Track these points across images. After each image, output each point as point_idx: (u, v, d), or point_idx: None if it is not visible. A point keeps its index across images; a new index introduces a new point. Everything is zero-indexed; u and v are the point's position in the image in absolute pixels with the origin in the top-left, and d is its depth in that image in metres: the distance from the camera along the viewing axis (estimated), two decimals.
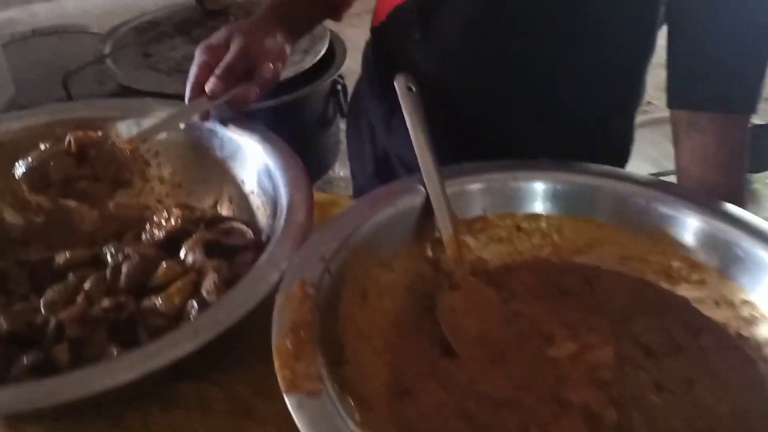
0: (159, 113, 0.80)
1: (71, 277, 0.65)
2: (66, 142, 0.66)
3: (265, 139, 0.74)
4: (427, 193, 0.66)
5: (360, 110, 0.99)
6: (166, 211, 0.70)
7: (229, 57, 0.74)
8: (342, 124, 2.25)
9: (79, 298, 0.61)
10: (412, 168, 0.88)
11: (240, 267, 0.66)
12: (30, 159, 0.65)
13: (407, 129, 0.83)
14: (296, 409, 0.46)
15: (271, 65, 0.76)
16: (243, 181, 0.76)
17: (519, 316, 0.64)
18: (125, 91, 1.87)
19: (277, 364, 0.49)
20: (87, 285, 0.63)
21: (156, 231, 0.69)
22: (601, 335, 0.62)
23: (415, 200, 0.66)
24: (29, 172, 0.64)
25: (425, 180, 0.66)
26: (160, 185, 0.80)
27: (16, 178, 0.65)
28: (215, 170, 0.78)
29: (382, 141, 0.93)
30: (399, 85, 0.69)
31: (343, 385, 0.52)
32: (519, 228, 0.69)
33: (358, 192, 0.99)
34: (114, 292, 0.63)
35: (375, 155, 0.94)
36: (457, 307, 0.63)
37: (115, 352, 0.57)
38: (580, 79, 0.75)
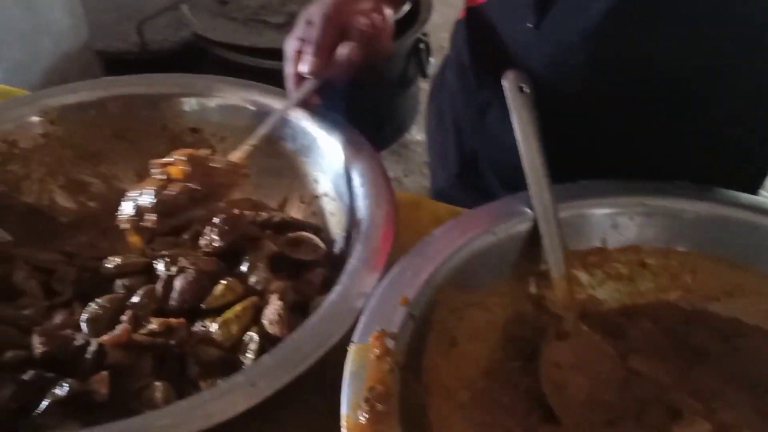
0: (227, 95, 0.70)
1: (118, 284, 0.57)
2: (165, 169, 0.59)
3: (345, 134, 0.64)
4: (535, 218, 0.54)
5: (444, 98, 0.86)
6: (228, 214, 0.61)
7: (315, 32, 0.64)
8: (423, 84, 2.12)
9: (125, 317, 0.53)
10: (505, 177, 0.77)
11: (307, 287, 0.57)
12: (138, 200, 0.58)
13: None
14: None
15: (364, 18, 0.64)
16: (316, 180, 0.66)
17: (638, 376, 0.53)
18: (199, 40, 1.79)
19: None
20: (135, 298, 0.55)
21: (216, 237, 0.60)
22: (743, 414, 0.50)
23: (520, 227, 0.55)
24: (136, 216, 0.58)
25: (534, 202, 0.54)
26: None
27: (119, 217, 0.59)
28: (285, 164, 0.68)
29: (469, 140, 0.81)
30: (509, 84, 0.57)
31: None
32: (644, 264, 0.57)
33: (438, 192, 0.88)
34: (164, 312, 0.55)
35: (460, 155, 0.82)
36: (564, 362, 0.53)
37: (159, 387, 0.49)
38: (728, 94, 0.61)
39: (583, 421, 0.51)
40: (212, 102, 0.71)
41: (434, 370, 0.49)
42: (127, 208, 0.59)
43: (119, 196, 0.71)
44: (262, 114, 0.68)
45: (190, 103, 0.71)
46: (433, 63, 2.00)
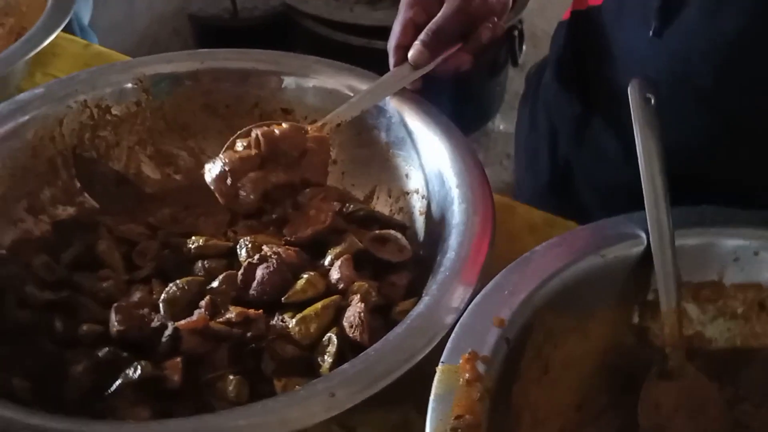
0: (324, 78, 0.67)
1: (198, 266, 0.56)
2: (253, 140, 0.58)
3: (446, 133, 0.60)
4: (648, 243, 0.50)
5: (540, 102, 0.81)
6: (318, 202, 0.58)
7: (440, 18, 0.60)
8: (512, 72, 2.06)
9: (203, 303, 0.51)
10: (602, 193, 0.71)
11: (391, 290, 0.54)
12: (222, 163, 0.58)
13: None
14: None
15: (491, 25, 0.61)
16: (407, 176, 0.63)
17: (746, 430, 0.48)
18: (289, 11, 1.78)
19: None
20: (215, 284, 0.53)
21: (302, 226, 0.57)
22: None
23: (631, 251, 0.50)
24: (219, 179, 0.58)
25: (650, 226, 0.50)
26: None
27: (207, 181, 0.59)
28: (376, 154, 0.65)
29: (565, 149, 0.75)
30: (634, 92, 0.52)
31: None
32: (762, 306, 0.52)
33: (525, 197, 0.83)
34: (242, 300, 0.53)
35: (552, 163, 0.77)
36: (665, 403, 0.48)
37: (233, 381, 0.47)
38: None
39: None
40: (308, 83, 0.68)
41: (524, 397, 0.46)
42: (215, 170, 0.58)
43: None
44: (322, 92, 0.66)
45: (285, 83, 0.69)
46: (525, 51, 1.93)
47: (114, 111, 0.67)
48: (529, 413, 0.46)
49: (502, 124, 2.13)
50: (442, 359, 0.42)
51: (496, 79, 1.94)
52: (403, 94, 0.64)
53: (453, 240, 0.51)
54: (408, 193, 0.62)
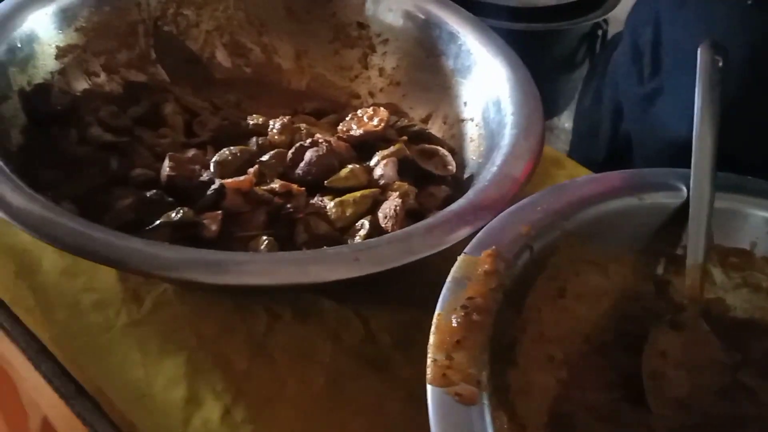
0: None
1: (253, 141, 0.58)
2: None
3: (511, 65, 0.61)
4: (688, 197, 0.50)
5: (607, 79, 0.81)
6: (374, 109, 0.60)
7: None
8: (586, 72, 2.04)
9: (251, 170, 0.53)
10: None
11: (429, 199, 0.56)
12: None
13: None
14: (437, 411, 0.36)
15: None
16: (466, 104, 0.64)
17: (747, 393, 0.48)
18: None
19: (433, 340, 0.39)
20: (265, 157, 0.56)
21: (354, 126, 0.59)
22: None
23: (669, 201, 0.51)
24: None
25: (693, 182, 0.50)
26: (378, 77, 0.71)
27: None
28: (439, 81, 0.67)
29: (627, 126, 0.76)
30: (704, 53, 0.52)
31: (501, 393, 0.41)
32: None
33: None
34: (288, 177, 0.55)
35: (612, 140, 0.77)
36: (671, 353, 0.49)
37: (266, 242, 0.49)
38: None
39: (673, 417, 0.47)
40: (386, 1, 0.70)
41: (535, 312, 0.47)
42: None
43: (274, 70, 0.73)
44: (430, 25, 0.67)
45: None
46: None
47: None
48: (535, 327, 0.47)
49: (568, 122, 2.11)
50: (465, 251, 0.44)
51: (569, 75, 1.93)
52: (474, 22, 0.65)
53: (498, 158, 0.53)
54: (463, 121, 0.64)
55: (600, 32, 1.78)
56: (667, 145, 0.71)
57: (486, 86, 0.62)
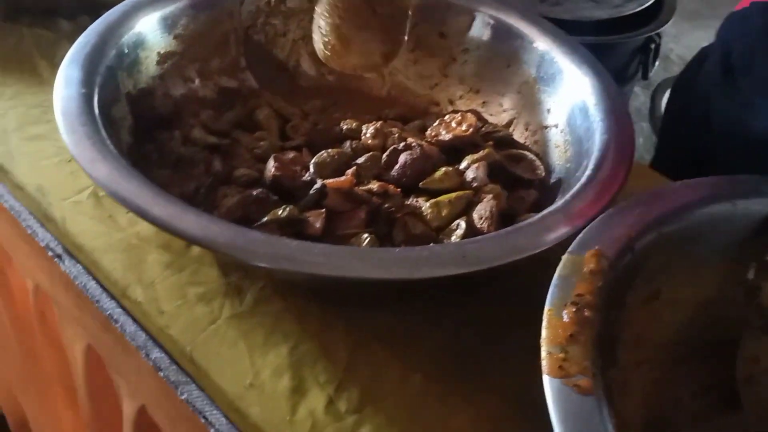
0: (488, 11, 0.71)
1: (347, 145, 0.61)
2: None
3: (596, 73, 0.62)
4: None
5: (693, 93, 0.81)
6: (461, 115, 0.62)
7: None
8: (637, 88, 2.03)
9: (349, 171, 0.56)
10: None
11: (518, 203, 0.57)
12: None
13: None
14: (556, 401, 0.37)
15: None
16: (549, 111, 0.66)
17: None
18: None
19: (546, 334, 0.40)
20: (361, 159, 0.58)
21: (443, 131, 0.61)
22: None
23: (761, 208, 0.51)
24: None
25: None
26: (458, 84, 0.72)
27: None
28: (520, 89, 0.68)
29: (714, 141, 0.76)
30: None
31: (606, 389, 0.42)
32: None
33: None
34: (383, 179, 0.57)
35: (694, 156, 0.78)
36: (764, 358, 0.50)
37: (367, 238, 0.51)
38: None
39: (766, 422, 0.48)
40: (476, 17, 0.71)
41: (632, 313, 0.48)
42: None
43: (356, 78, 0.75)
44: (512, 35, 0.69)
45: (452, 9, 0.72)
46: (655, 69, 1.91)
47: (288, 3, 0.73)
48: (633, 328, 0.48)
49: None
50: (568, 250, 0.45)
51: (621, 88, 1.93)
52: (554, 32, 0.67)
53: (591, 162, 0.54)
54: (546, 127, 0.65)
55: (653, 46, 1.78)
56: (759, 155, 0.71)
57: (571, 94, 0.63)
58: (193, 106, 0.64)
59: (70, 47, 0.74)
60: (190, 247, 0.57)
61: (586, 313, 0.41)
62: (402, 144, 0.58)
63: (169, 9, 0.65)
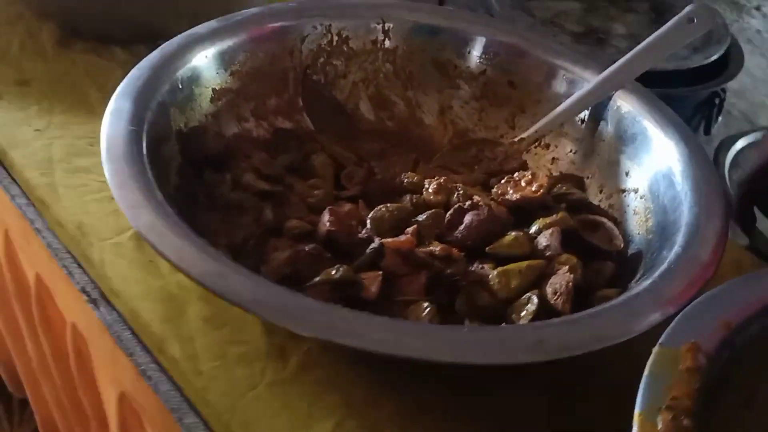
0: (554, 59, 0.67)
1: (407, 199, 0.56)
2: None
3: (683, 136, 0.57)
4: None
5: None
6: (532, 173, 0.57)
7: None
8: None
9: (409, 230, 0.51)
10: None
11: (594, 277, 0.52)
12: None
13: None
14: None
15: None
16: (628, 173, 0.60)
17: None
18: None
19: None
20: (421, 217, 0.53)
21: (510, 190, 0.56)
22: None
23: None
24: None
25: None
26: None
27: None
28: (596, 148, 0.63)
29: None
30: None
31: None
32: None
33: None
34: (445, 240, 0.52)
35: None
36: None
37: (427, 309, 0.47)
38: None
39: None
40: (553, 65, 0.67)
41: (731, 417, 0.42)
42: None
43: (416, 124, 0.71)
44: (576, 83, 0.64)
45: (526, 59, 0.68)
46: (718, 125, 1.84)
47: (351, 44, 0.70)
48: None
49: None
50: (660, 341, 0.40)
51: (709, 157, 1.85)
52: (636, 89, 0.62)
53: (679, 238, 0.48)
54: (624, 191, 0.60)
55: (717, 101, 1.71)
56: None
57: (654, 157, 0.58)
58: (245, 147, 0.61)
59: (123, 77, 0.72)
60: None
61: (684, 421, 0.36)
62: (468, 203, 0.53)
63: (227, 44, 0.62)
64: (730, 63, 1.75)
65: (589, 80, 0.64)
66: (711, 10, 0.62)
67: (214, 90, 0.62)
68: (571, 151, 0.66)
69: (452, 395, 0.48)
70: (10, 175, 0.64)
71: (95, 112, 0.69)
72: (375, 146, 0.68)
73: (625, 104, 0.62)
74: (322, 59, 0.69)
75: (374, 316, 0.40)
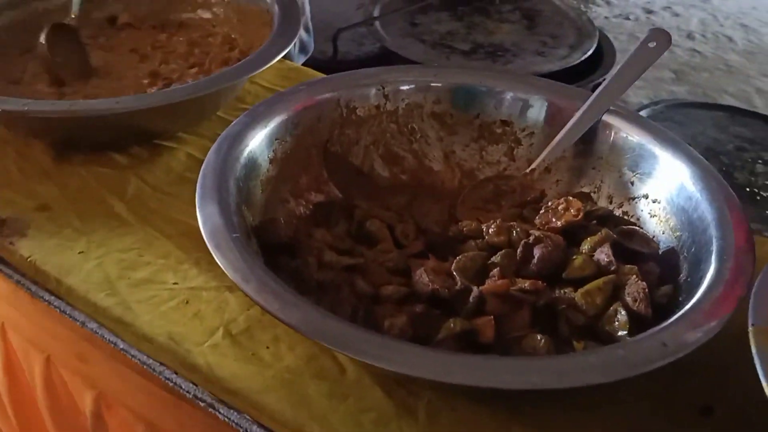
0: (539, 94, 0.75)
1: (473, 244, 0.63)
2: None
3: (672, 142, 0.68)
4: None
5: None
6: (565, 200, 0.65)
7: None
8: None
9: (495, 272, 0.58)
10: None
11: (647, 278, 0.61)
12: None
13: None
14: None
15: None
16: (633, 183, 0.70)
17: None
18: (389, 56, 1.88)
19: None
20: (496, 258, 0.60)
21: (552, 218, 0.64)
22: None
23: None
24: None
25: None
26: (526, 167, 0.76)
27: None
28: (594, 162, 0.72)
29: None
30: None
31: None
32: None
33: None
34: (521, 274, 0.59)
35: None
36: None
37: (540, 339, 0.53)
38: None
39: None
40: (530, 100, 0.76)
41: None
42: None
43: (426, 172, 0.78)
44: (563, 111, 0.74)
45: (508, 97, 0.77)
46: None
47: (359, 112, 0.75)
48: None
49: None
50: (752, 322, 0.49)
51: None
52: (619, 109, 0.72)
53: (714, 232, 0.58)
54: (634, 199, 0.69)
55: None
56: None
57: (656, 164, 0.67)
58: (303, 227, 0.65)
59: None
60: (344, 373, 0.57)
61: None
62: (531, 237, 0.60)
63: (264, 135, 0.67)
64: (604, 54, 1.95)
65: (566, 107, 0.74)
66: (665, 33, 0.74)
67: (261, 181, 0.65)
68: (570, 171, 0.75)
69: (581, 413, 0.54)
70: (69, 303, 0.63)
71: (127, 221, 0.70)
72: (400, 200, 0.73)
73: (615, 122, 0.72)
74: (336, 131, 0.74)
75: (503, 358, 0.47)
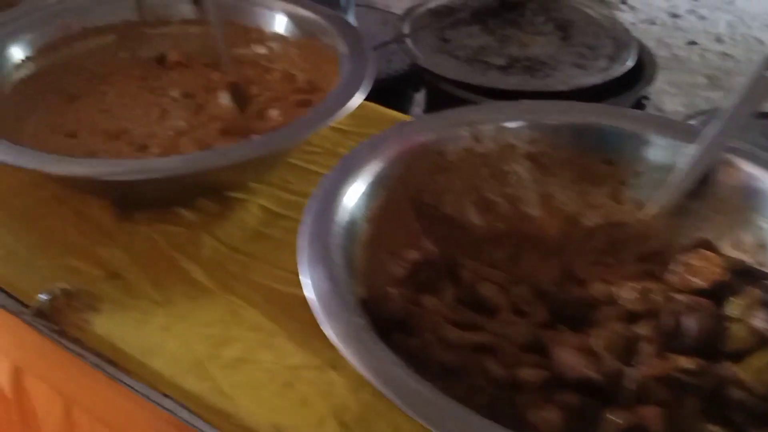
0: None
1: (607, 313, 0.56)
2: None
3: None
4: None
5: None
6: (699, 255, 0.59)
7: None
8: None
9: (650, 350, 0.51)
10: None
11: None
12: None
13: None
14: None
15: None
16: (762, 228, 0.63)
17: None
18: (423, 73, 1.82)
19: None
20: (644, 331, 0.53)
21: (690, 277, 0.57)
22: None
23: None
24: None
25: None
26: (634, 210, 0.69)
27: None
28: (717, 206, 0.65)
29: None
30: None
31: None
32: None
33: None
34: (671, 349, 0.52)
35: None
36: None
37: None
38: None
39: None
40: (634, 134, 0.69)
41: None
42: None
43: (523, 219, 0.71)
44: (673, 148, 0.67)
45: (611, 133, 0.70)
46: None
47: (448, 157, 0.68)
48: None
49: None
50: None
51: None
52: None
53: None
54: (764, 246, 0.62)
55: (645, 104, 1.83)
56: None
57: None
58: (410, 295, 0.58)
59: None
60: None
61: None
62: (680, 305, 0.53)
63: (364, 186, 0.60)
64: (645, 65, 1.89)
65: (675, 143, 0.67)
66: None
67: (361, 244, 0.59)
68: (688, 216, 0.68)
69: None
70: (156, 388, 0.57)
71: (207, 289, 0.63)
72: (500, 253, 0.67)
73: (732, 158, 0.65)
74: (427, 180, 0.67)
75: None
